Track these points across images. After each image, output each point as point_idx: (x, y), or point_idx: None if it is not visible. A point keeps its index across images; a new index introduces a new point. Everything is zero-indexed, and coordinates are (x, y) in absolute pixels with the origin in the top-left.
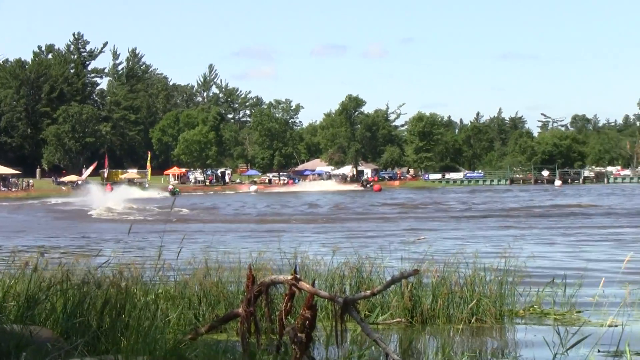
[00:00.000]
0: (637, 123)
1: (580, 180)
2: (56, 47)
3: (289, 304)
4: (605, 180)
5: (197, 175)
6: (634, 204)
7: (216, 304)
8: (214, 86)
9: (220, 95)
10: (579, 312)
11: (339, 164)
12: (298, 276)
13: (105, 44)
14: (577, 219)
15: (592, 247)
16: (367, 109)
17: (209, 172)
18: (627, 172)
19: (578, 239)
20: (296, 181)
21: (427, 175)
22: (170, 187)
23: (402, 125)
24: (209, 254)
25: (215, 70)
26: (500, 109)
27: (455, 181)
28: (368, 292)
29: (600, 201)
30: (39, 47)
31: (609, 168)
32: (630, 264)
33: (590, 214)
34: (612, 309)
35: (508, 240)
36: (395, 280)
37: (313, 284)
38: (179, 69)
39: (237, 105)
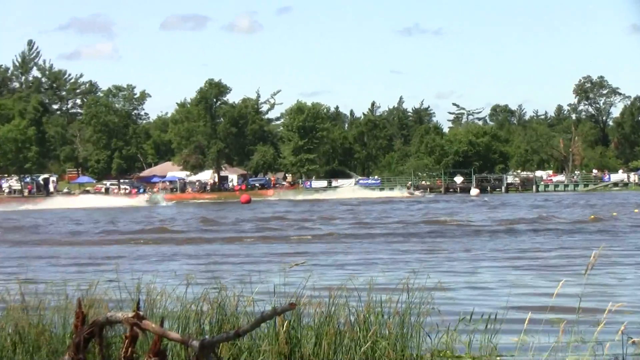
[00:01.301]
0: (573, 116)
1: (503, 188)
2: None
3: (129, 349)
4: (534, 187)
5: (12, 183)
6: (571, 217)
7: (36, 350)
8: (34, 68)
9: (44, 79)
10: (500, 356)
11: (196, 168)
12: (142, 313)
13: None
14: (498, 239)
15: (515, 274)
16: (233, 97)
17: (28, 180)
18: (561, 177)
19: (499, 265)
20: (141, 191)
21: (309, 183)
22: (147, 195)
23: (278, 119)
24: (26, 287)
25: (37, 47)
26: (401, 98)
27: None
28: (232, 332)
29: (529, 214)
30: None
31: (538, 173)
32: (559, 297)
33: (517, 231)
34: (541, 353)
35: (411, 266)
36: (266, 317)
37: (161, 324)
38: None
39: (64, 93)
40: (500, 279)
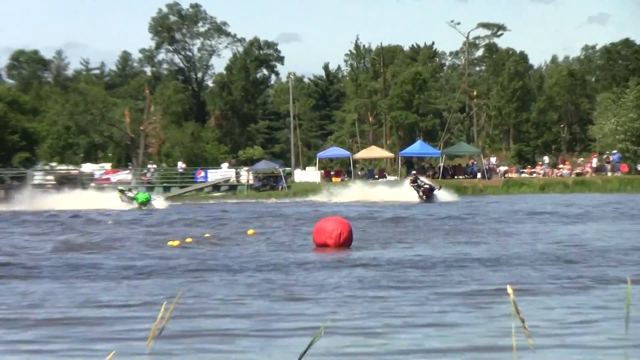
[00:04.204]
0: (148, 70)
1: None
2: None
3: None
4: (82, 185)
5: None
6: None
7: None
8: None
9: None
10: None
11: None
12: None
13: None
14: None
15: None
16: None
17: None
18: (126, 175)
19: None
20: None
21: None
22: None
23: None
24: None
25: None
26: None
27: None
28: None
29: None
30: None
31: (88, 167)
32: None
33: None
34: None
35: None
36: None
37: None
38: None
39: None
40: None
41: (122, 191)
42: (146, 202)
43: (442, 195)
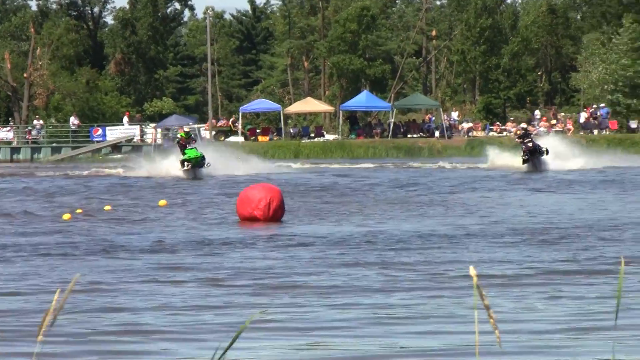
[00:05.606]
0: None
1: None
2: None
3: None
4: None
5: None
6: None
7: None
8: None
9: None
10: None
11: None
12: None
13: None
14: None
15: None
16: None
17: None
18: (5, 132)
19: None
20: None
21: None
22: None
23: None
24: None
25: None
26: None
27: None
28: None
29: None
30: None
31: None
32: None
33: None
34: None
35: None
36: None
37: None
38: None
39: None
40: None
41: (187, 134)
42: (195, 162)
43: (556, 162)
